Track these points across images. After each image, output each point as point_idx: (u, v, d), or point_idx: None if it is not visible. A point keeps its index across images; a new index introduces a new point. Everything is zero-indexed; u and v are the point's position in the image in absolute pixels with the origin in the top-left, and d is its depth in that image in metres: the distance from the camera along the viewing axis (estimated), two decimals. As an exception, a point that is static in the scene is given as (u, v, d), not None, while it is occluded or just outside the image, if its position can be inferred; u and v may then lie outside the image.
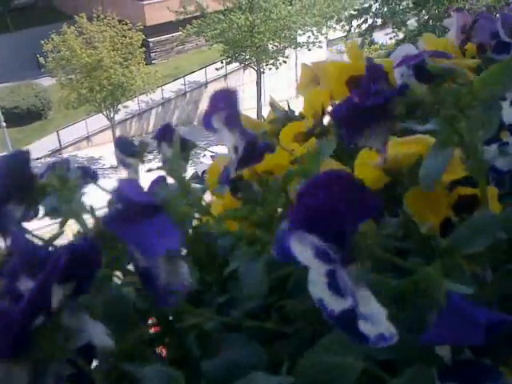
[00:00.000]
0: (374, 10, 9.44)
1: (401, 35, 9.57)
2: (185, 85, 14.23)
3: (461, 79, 0.42)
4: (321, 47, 13.64)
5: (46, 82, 13.59)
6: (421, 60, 0.54)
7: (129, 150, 0.60)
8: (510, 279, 0.38)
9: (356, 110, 0.39)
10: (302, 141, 0.56)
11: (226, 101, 0.45)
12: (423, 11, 9.02)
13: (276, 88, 13.54)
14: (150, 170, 0.62)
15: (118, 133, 12.39)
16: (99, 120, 12.52)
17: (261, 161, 0.45)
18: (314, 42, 13.27)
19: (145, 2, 15.68)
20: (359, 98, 0.39)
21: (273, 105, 0.75)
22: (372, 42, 9.81)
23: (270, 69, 13.34)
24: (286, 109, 0.75)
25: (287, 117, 0.73)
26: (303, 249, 0.29)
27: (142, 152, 0.61)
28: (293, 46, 13.50)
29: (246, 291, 0.37)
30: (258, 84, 13.63)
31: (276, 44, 13.11)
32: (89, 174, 0.62)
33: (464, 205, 0.45)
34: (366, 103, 0.38)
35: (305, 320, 0.40)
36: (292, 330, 0.40)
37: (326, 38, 13.46)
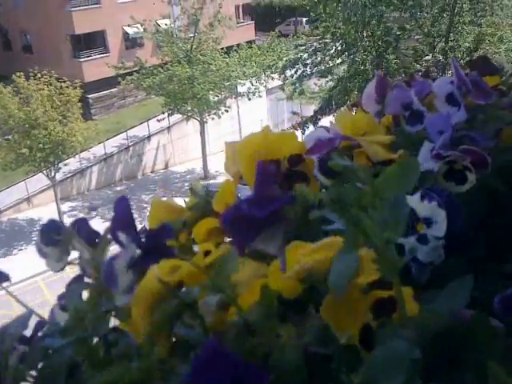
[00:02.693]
0: (302, 60, 9.88)
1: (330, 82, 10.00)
2: (127, 139, 14.13)
3: (362, 177, 0.40)
4: (260, 96, 13.96)
5: (-18, 144, 13.18)
6: (325, 154, 0.53)
7: (51, 239, 0.54)
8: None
9: (245, 217, 0.37)
10: (215, 238, 0.53)
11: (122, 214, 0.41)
12: (350, 56, 9.42)
13: (220, 137, 13.66)
14: (69, 263, 0.56)
15: (59, 192, 12.04)
16: (40, 180, 12.17)
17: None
18: (253, 92, 13.57)
19: (82, 60, 15.66)
20: (248, 206, 0.37)
21: (193, 190, 0.72)
22: (302, 91, 10.18)
23: (212, 118, 13.48)
24: (206, 192, 0.72)
25: (207, 202, 0.70)
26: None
27: (66, 243, 0.54)
28: (234, 96, 13.74)
29: None
30: (202, 134, 13.71)
31: (217, 94, 13.31)
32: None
33: (383, 306, 0.43)
34: (254, 213, 0.36)
35: None
36: None
37: (265, 86, 13.79)
